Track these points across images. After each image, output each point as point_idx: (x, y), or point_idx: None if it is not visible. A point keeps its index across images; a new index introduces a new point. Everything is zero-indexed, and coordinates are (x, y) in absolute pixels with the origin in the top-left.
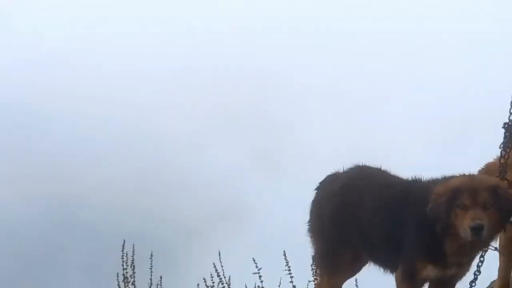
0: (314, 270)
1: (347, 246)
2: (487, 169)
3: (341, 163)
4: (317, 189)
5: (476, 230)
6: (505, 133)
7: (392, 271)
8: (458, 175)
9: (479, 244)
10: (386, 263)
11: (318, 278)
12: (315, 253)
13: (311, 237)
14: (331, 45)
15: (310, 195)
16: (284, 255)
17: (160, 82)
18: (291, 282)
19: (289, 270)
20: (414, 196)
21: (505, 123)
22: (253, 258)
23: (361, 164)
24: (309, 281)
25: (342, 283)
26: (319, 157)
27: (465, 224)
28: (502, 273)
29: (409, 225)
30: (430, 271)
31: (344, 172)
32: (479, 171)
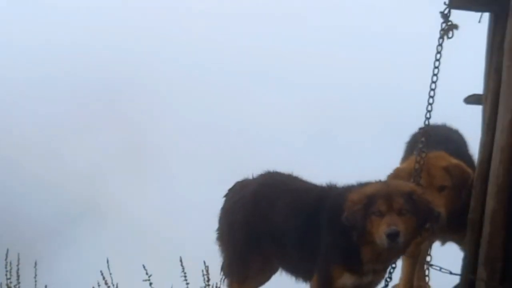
0: (223, 279)
1: (258, 253)
2: (397, 175)
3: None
4: (226, 196)
5: (392, 236)
6: (421, 138)
7: (305, 279)
8: (373, 181)
9: (396, 251)
10: (299, 271)
11: (227, 287)
12: (225, 261)
13: (220, 245)
14: (190, 42)
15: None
16: (181, 261)
17: (14, 87)
18: None
19: (185, 276)
20: (329, 203)
21: (420, 128)
22: (143, 265)
23: (271, 170)
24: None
25: None
26: (181, 157)
27: (380, 231)
28: (406, 278)
29: (324, 233)
30: (347, 279)
31: (254, 178)
32: (388, 176)
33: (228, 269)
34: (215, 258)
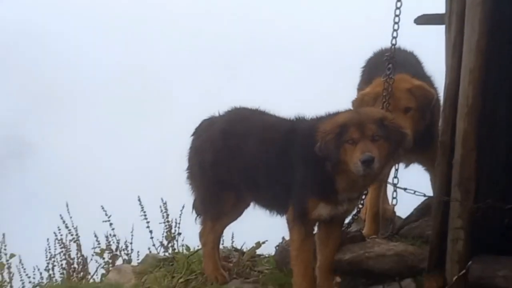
0: (197, 218)
1: (230, 190)
2: (361, 99)
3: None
4: (194, 135)
5: (367, 162)
6: (387, 65)
7: (279, 213)
8: (343, 110)
9: (371, 178)
10: (274, 205)
11: (201, 225)
12: (197, 200)
13: (191, 184)
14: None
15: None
16: (139, 200)
17: None
18: (148, 227)
19: (145, 214)
20: (300, 135)
21: (387, 55)
22: (101, 206)
23: (238, 106)
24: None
25: (224, 227)
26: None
27: (355, 158)
28: (373, 201)
29: (297, 165)
30: (322, 209)
31: (221, 116)
32: (353, 102)
33: (201, 207)
34: (174, 196)
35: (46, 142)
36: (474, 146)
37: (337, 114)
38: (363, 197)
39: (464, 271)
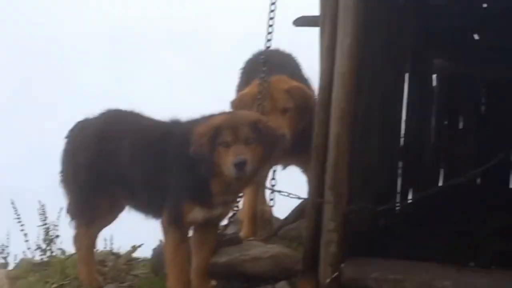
0: (71, 222)
1: (105, 194)
2: (240, 99)
3: None
4: (67, 137)
5: (239, 165)
6: (263, 67)
7: (155, 217)
8: (218, 113)
9: (245, 180)
10: (149, 209)
11: (75, 230)
12: (71, 204)
13: (64, 188)
14: None
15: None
16: (12, 204)
17: None
18: (22, 230)
19: (19, 218)
20: (175, 138)
21: (262, 58)
22: None
23: (113, 108)
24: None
25: (99, 232)
26: None
27: (228, 161)
28: (250, 203)
29: (172, 169)
30: (197, 213)
31: (95, 117)
32: (232, 102)
33: (75, 211)
34: (52, 198)
35: None
36: (347, 149)
37: (212, 116)
38: (238, 200)
39: (336, 273)
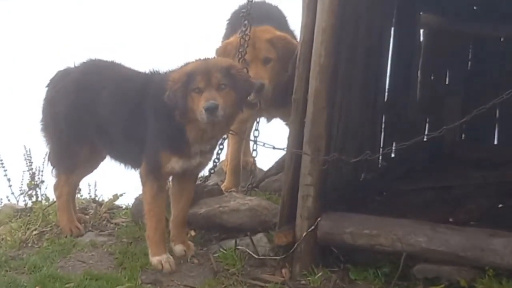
0: (52, 171)
1: (84, 143)
2: (224, 48)
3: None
4: (48, 86)
5: (211, 110)
6: (243, 21)
7: (133, 166)
8: (193, 60)
9: (219, 127)
10: (127, 159)
11: (55, 178)
12: (51, 152)
13: (45, 136)
14: None
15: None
16: None
17: None
18: (6, 175)
19: (1, 162)
20: (153, 87)
21: (243, 12)
22: None
23: (94, 58)
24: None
25: (80, 180)
26: None
27: (200, 106)
28: (233, 154)
29: (149, 118)
30: (175, 162)
31: (76, 67)
32: (217, 50)
33: (55, 160)
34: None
35: None
36: (325, 105)
37: (187, 64)
38: (219, 151)
39: (313, 227)
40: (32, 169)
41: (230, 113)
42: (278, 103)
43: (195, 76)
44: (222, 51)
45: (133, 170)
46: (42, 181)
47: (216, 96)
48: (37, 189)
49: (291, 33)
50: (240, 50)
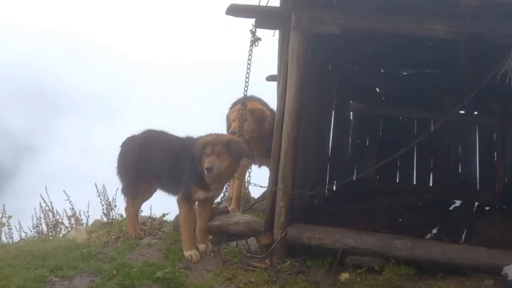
0: (124, 198)
1: (143, 181)
2: (229, 114)
3: None
4: (121, 146)
5: (208, 169)
6: (242, 107)
7: (174, 195)
8: (213, 133)
9: (224, 176)
10: (170, 190)
11: (126, 202)
12: (123, 186)
13: (120, 177)
14: None
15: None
16: (96, 185)
17: None
18: (101, 202)
19: (99, 195)
20: (187, 147)
21: (241, 102)
22: (63, 190)
23: (150, 128)
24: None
25: (141, 204)
26: None
27: (204, 165)
28: (237, 189)
29: (185, 166)
30: (200, 193)
31: (139, 134)
32: (231, 108)
33: (125, 191)
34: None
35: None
36: (291, 159)
37: (207, 135)
38: (227, 186)
39: (284, 233)
40: (109, 200)
41: (227, 169)
42: (265, 155)
43: (206, 146)
44: (228, 116)
45: (173, 197)
46: (115, 205)
47: (214, 160)
48: (112, 210)
49: (271, 111)
50: (239, 130)
